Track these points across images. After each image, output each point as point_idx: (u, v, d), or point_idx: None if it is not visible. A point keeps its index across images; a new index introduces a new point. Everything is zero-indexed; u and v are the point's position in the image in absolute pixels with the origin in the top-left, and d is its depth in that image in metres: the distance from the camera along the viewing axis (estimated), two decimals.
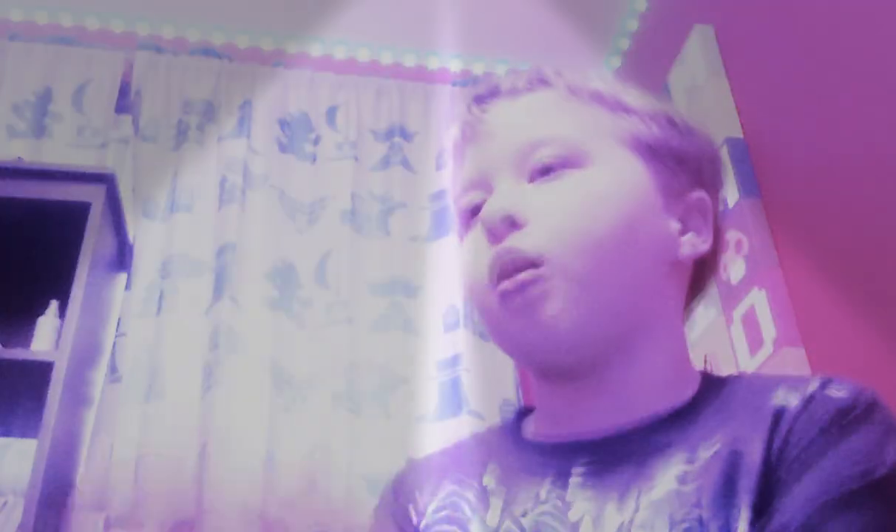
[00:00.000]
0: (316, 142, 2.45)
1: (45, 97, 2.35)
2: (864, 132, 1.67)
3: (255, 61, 2.56)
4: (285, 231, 2.29)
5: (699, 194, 0.76)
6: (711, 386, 0.72)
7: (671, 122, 0.77)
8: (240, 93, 2.45)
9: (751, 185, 1.94)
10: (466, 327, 2.18)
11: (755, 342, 1.81)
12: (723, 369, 1.89)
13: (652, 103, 0.78)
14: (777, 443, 0.62)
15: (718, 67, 2.14)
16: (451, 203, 0.83)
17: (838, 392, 0.64)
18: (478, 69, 2.73)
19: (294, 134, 2.45)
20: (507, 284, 0.69)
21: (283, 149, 2.42)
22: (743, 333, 1.85)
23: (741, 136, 2.02)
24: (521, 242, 0.69)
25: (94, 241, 1.88)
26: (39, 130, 2.30)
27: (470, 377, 2.10)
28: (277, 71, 2.54)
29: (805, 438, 0.62)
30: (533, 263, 0.68)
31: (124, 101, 2.41)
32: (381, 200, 2.40)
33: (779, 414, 0.64)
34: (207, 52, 2.53)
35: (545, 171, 0.72)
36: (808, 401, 0.64)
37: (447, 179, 2.41)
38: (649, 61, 2.56)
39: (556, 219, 0.69)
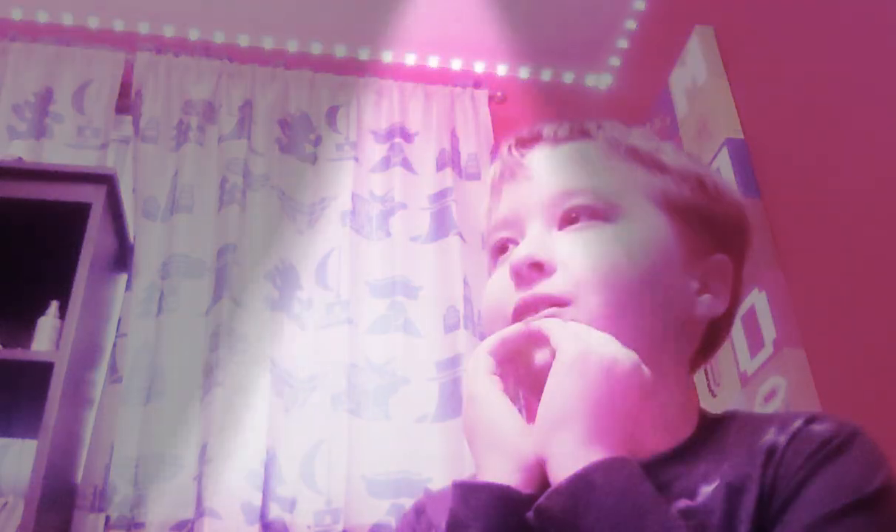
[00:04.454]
0: (316, 142, 2.46)
1: (46, 97, 2.36)
2: (863, 132, 1.67)
3: (256, 61, 2.56)
4: (285, 231, 2.29)
5: (720, 257, 0.79)
6: (708, 425, 0.76)
7: (702, 185, 0.80)
8: (240, 93, 2.46)
9: (751, 185, 1.94)
10: (466, 328, 2.17)
11: (755, 343, 1.81)
12: (723, 371, 1.89)
13: (686, 163, 0.81)
14: (769, 478, 0.67)
15: (718, 68, 2.14)
16: (484, 237, 0.86)
17: (820, 426, 0.68)
18: (478, 69, 2.73)
19: (294, 134, 2.46)
20: (533, 320, 0.72)
21: (283, 149, 2.42)
22: (743, 334, 1.85)
23: (741, 136, 2.02)
24: (548, 289, 0.73)
25: (95, 242, 1.88)
26: (40, 130, 2.30)
27: None
28: (278, 71, 2.54)
29: (791, 471, 0.66)
30: (558, 303, 0.72)
31: (125, 101, 2.42)
32: (381, 201, 2.40)
33: (770, 451, 0.68)
34: (208, 52, 2.53)
35: (573, 221, 0.75)
36: (794, 436, 0.68)
37: (446, 179, 2.42)
38: (650, 62, 2.56)
39: (581, 267, 0.73)
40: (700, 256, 0.78)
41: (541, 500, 0.62)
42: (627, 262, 0.73)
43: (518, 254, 0.74)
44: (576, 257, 0.73)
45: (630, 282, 0.73)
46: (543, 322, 0.71)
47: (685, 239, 0.77)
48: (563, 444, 0.64)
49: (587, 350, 0.67)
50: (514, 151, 0.81)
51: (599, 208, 0.75)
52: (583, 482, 0.61)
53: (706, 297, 0.77)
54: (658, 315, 0.75)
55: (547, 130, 0.82)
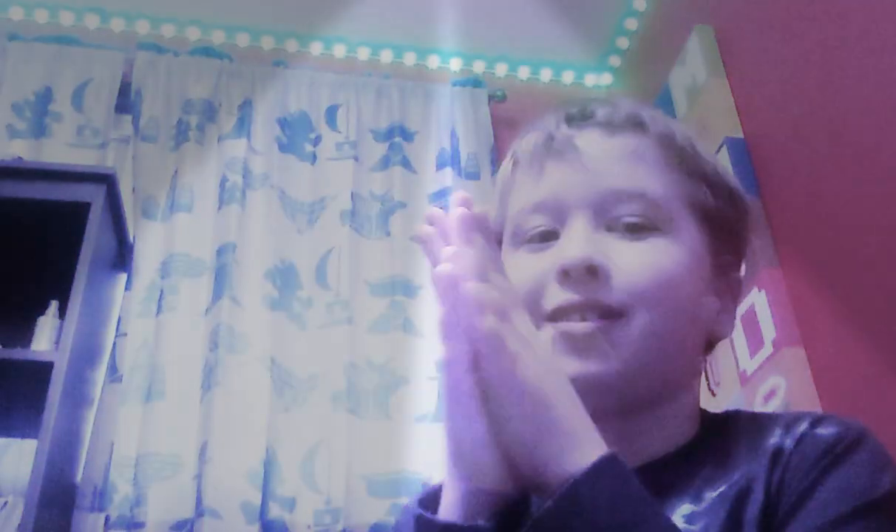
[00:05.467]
0: (316, 142, 2.45)
1: (45, 97, 2.35)
2: (863, 132, 1.67)
3: (255, 61, 2.56)
4: (285, 231, 2.29)
5: (737, 275, 0.78)
6: (712, 425, 0.75)
7: (732, 198, 0.78)
8: (240, 92, 2.45)
9: (751, 185, 1.94)
10: None
11: (755, 342, 1.81)
12: (723, 372, 1.90)
13: (721, 174, 0.78)
14: (775, 481, 0.65)
15: (718, 68, 2.14)
16: (498, 202, 0.79)
17: (826, 429, 0.67)
18: (478, 69, 2.73)
19: (294, 134, 2.45)
20: (579, 326, 0.69)
21: (283, 148, 2.42)
22: (743, 334, 1.85)
23: (741, 136, 2.02)
24: (606, 297, 0.69)
25: (94, 241, 1.88)
26: (39, 130, 2.30)
27: None
28: (277, 71, 2.54)
29: (798, 475, 0.65)
30: (609, 313, 0.69)
31: (124, 100, 2.41)
32: (381, 200, 2.40)
33: (776, 454, 0.67)
34: (207, 51, 2.53)
35: (632, 229, 0.72)
36: (800, 440, 0.67)
37: (446, 179, 2.42)
38: (649, 61, 2.56)
39: (639, 280, 0.70)
40: (722, 273, 0.77)
41: None
42: (679, 277, 0.71)
43: (572, 253, 0.70)
44: (633, 268, 0.70)
45: (679, 298, 0.71)
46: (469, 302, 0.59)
47: (713, 254, 0.75)
48: (539, 464, 0.56)
49: (511, 367, 0.56)
50: (563, 127, 0.76)
51: (653, 217, 0.72)
52: (568, 502, 0.54)
53: (724, 316, 0.77)
54: (692, 332, 0.73)
55: (601, 112, 0.76)
